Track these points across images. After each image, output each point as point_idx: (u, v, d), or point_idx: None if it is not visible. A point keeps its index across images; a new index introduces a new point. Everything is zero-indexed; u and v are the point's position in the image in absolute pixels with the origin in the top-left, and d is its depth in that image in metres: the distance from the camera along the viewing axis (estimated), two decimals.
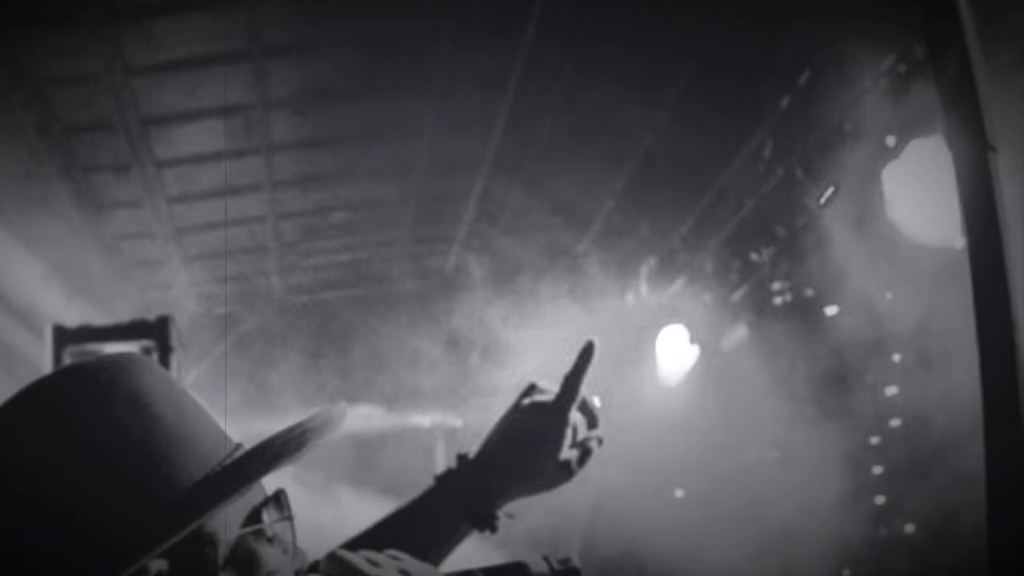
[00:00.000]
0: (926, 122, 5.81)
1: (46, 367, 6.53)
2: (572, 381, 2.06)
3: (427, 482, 2.12)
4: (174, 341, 6.68)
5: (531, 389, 2.11)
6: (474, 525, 2.07)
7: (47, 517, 1.37)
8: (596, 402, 2.12)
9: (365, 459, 10.89)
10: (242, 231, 10.25)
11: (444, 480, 2.10)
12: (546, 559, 1.72)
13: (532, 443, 2.05)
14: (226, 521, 1.45)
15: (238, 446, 1.53)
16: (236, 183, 9.17)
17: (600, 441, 2.13)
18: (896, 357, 6.80)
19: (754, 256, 8.18)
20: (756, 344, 8.11)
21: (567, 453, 2.07)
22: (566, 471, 2.08)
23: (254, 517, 1.49)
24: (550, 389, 2.09)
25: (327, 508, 9.43)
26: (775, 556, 7.09)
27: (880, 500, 7.10)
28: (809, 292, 7.65)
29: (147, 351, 6.40)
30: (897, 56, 6.18)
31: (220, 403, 9.48)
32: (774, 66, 7.18)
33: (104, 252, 9.85)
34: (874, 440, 7.12)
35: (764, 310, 8.12)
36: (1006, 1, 4.51)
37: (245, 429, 1.86)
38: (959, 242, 3.76)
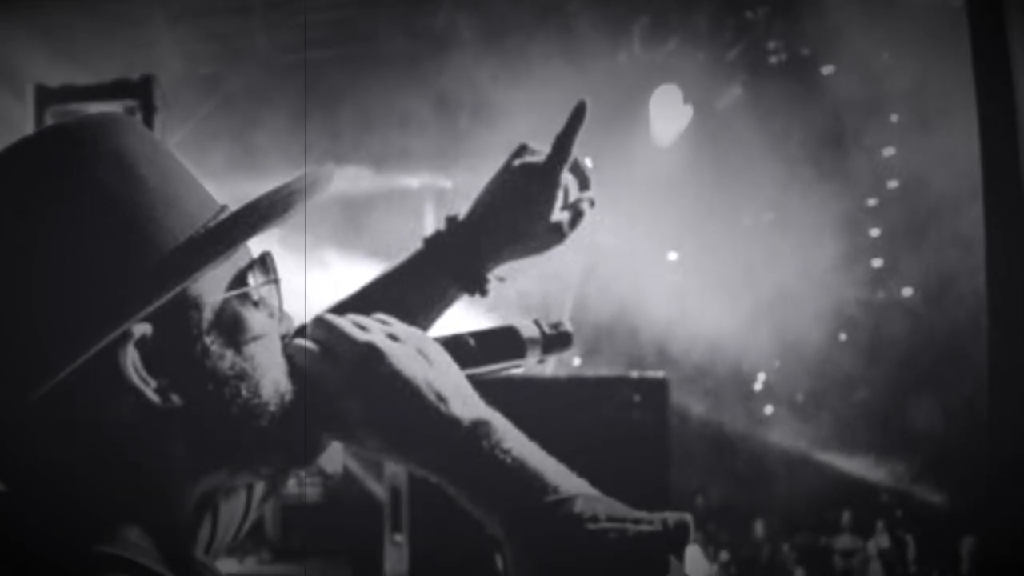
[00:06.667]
0: None
1: (28, 128, 6.48)
2: (563, 142, 2.03)
3: (416, 245, 2.10)
4: (158, 101, 6.60)
5: (521, 150, 2.07)
6: (464, 288, 2.06)
7: (28, 279, 1.35)
8: (588, 163, 2.09)
9: (353, 221, 10.93)
10: None
11: (433, 242, 2.08)
12: (537, 323, 1.72)
13: (523, 205, 2.03)
14: (211, 284, 1.44)
15: (223, 208, 1.50)
16: None
17: (592, 203, 2.10)
18: (894, 117, 6.78)
19: (749, 14, 8.05)
20: (751, 104, 8.05)
21: (558, 215, 2.05)
22: (557, 233, 2.06)
23: (239, 280, 1.47)
24: (541, 150, 2.05)
25: (314, 271, 9.50)
26: (770, 320, 7.18)
27: (877, 263, 7.17)
28: (805, 51, 7.56)
29: (130, 111, 6.32)
30: None
31: (205, 164, 9.47)
32: None
33: (87, 10, 9.66)
34: (871, 202, 7.15)
35: (759, 69, 8.03)
36: None
37: (230, 191, 1.82)
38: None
